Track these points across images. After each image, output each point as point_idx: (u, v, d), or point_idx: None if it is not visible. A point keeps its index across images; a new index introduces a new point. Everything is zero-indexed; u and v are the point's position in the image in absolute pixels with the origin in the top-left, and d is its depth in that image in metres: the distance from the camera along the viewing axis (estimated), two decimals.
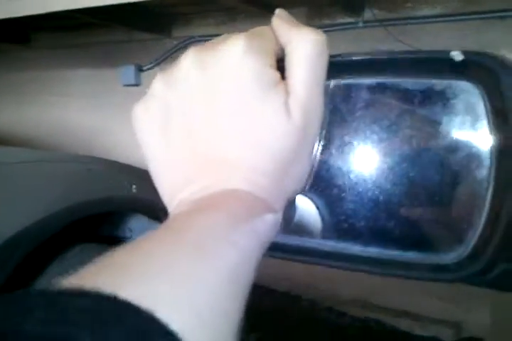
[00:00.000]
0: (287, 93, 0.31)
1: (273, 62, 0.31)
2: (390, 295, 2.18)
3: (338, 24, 2.30)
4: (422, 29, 2.15)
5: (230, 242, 0.24)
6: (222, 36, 0.33)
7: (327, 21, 2.35)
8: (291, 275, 2.23)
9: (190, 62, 0.31)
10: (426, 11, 2.15)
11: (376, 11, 2.23)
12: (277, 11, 0.34)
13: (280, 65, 0.32)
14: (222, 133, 0.30)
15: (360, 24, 2.22)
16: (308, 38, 0.31)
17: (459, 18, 2.03)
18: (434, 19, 2.10)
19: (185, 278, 0.21)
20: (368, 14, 2.25)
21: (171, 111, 0.32)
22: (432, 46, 2.11)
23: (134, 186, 1.71)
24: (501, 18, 1.94)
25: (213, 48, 0.31)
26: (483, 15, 1.96)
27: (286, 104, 0.30)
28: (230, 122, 0.30)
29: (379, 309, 2.18)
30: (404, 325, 2.11)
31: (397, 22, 2.15)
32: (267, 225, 0.28)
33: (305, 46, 0.31)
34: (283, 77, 0.32)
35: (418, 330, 2.07)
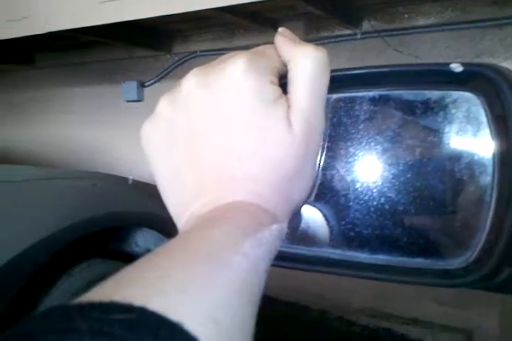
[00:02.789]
0: (289, 107, 0.32)
1: (274, 78, 0.32)
2: (400, 302, 2.17)
3: (337, 36, 2.33)
4: (420, 39, 2.17)
5: (241, 253, 0.25)
6: (225, 55, 0.34)
7: (325, 34, 2.38)
8: (300, 286, 2.22)
9: (193, 81, 0.33)
10: (422, 21, 2.17)
11: (374, 23, 2.25)
12: (280, 29, 0.36)
13: (284, 82, 0.33)
14: (225, 148, 0.32)
15: (359, 35, 2.24)
16: (309, 55, 0.33)
17: (454, 27, 2.05)
18: (430, 29, 2.12)
19: (204, 289, 0.22)
20: (365, 25, 2.27)
21: (176, 129, 0.33)
22: (430, 55, 2.13)
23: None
24: (494, 26, 1.96)
25: (215, 67, 0.33)
26: (476, 24, 1.99)
27: (288, 117, 0.31)
28: (233, 137, 0.31)
29: (389, 317, 2.17)
30: (414, 332, 2.09)
31: (394, 32, 2.18)
32: (273, 235, 0.29)
33: (306, 62, 0.32)
34: (287, 92, 0.33)
35: (429, 338, 2.06)
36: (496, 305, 1.63)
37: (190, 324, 0.19)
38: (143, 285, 0.21)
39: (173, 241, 0.26)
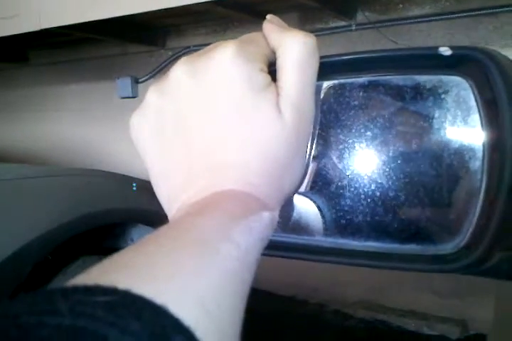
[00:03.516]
0: (278, 94, 0.31)
1: (263, 65, 0.32)
2: (396, 295, 2.18)
3: (331, 28, 2.32)
4: (415, 29, 2.17)
5: (230, 240, 0.25)
6: (213, 44, 0.33)
7: (320, 25, 2.37)
8: (297, 280, 2.23)
9: (181, 70, 0.32)
10: (417, 11, 2.17)
11: (368, 14, 2.25)
12: (268, 16, 0.35)
13: (273, 69, 0.33)
14: (215, 137, 0.31)
15: (353, 27, 2.23)
16: (298, 41, 0.32)
17: (448, 16, 2.05)
18: (424, 19, 2.12)
19: (192, 275, 0.21)
20: (360, 17, 2.26)
21: (165, 118, 0.33)
22: (425, 45, 2.13)
23: (134, 184, 1.71)
24: (489, 14, 1.96)
25: (203, 56, 0.32)
26: (471, 13, 1.99)
27: (278, 104, 0.31)
28: (222, 126, 0.31)
29: (385, 309, 2.18)
30: (410, 324, 2.10)
31: (389, 23, 2.17)
32: (263, 223, 0.29)
33: (294, 48, 0.32)
34: (276, 79, 0.32)
35: (425, 329, 2.07)
36: (490, 295, 1.64)
37: (176, 308, 0.19)
38: (129, 270, 0.21)
39: (162, 229, 0.26)
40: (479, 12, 1.97)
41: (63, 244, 1.39)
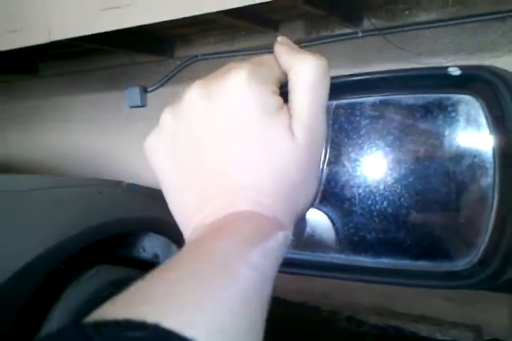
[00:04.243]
0: (291, 116, 0.32)
1: (275, 88, 0.33)
2: (408, 300, 2.17)
3: (337, 35, 2.32)
4: (421, 35, 2.17)
5: (248, 262, 0.25)
6: (226, 66, 0.34)
7: (326, 33, 2.38)
8: (309, 287, 2.22)
9: (195, 93, 0.33)
10: (423, 17, 2.17)
11: (374, 21, 2.25)
12: (279, 38, 0.36)
13: (284, 90, 0.33)
14: (228, 159, 0.32)
15: (360, 34, 2.24)
16: (309, 63, 0.33)
17: (455, 21, 2.04)
18: (431, 25, 2.12)
19: (214, 303, 0.22)
20: (366, 24, 2.27)
21: (180, 140, 0.33)
22: (432, 51, 2.13)
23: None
24: (496, 19, 1.95)
25: (217, 79, 0.33)
26: (478, 18, 1.98)
27: (290, 126, 0.32)
28: (236, 148, 0.32)
29: (397, 315, 2.17)
30: (423, 330, 2.09)
31: (395, 30, 2.17)
32: (278, 242, 0.29)
33: (305, 71, 0.33)
34: (288, 101, 0.33)
35: (438, 335, 2.06)
36: (504, 300, 1.63)
37: (204, 339, 0.19)
38: (156, 302, 0.21)
39: (182, 254, 0.27)
40: (486, 17, 1.96)
41: (76, 253, 1.41)
